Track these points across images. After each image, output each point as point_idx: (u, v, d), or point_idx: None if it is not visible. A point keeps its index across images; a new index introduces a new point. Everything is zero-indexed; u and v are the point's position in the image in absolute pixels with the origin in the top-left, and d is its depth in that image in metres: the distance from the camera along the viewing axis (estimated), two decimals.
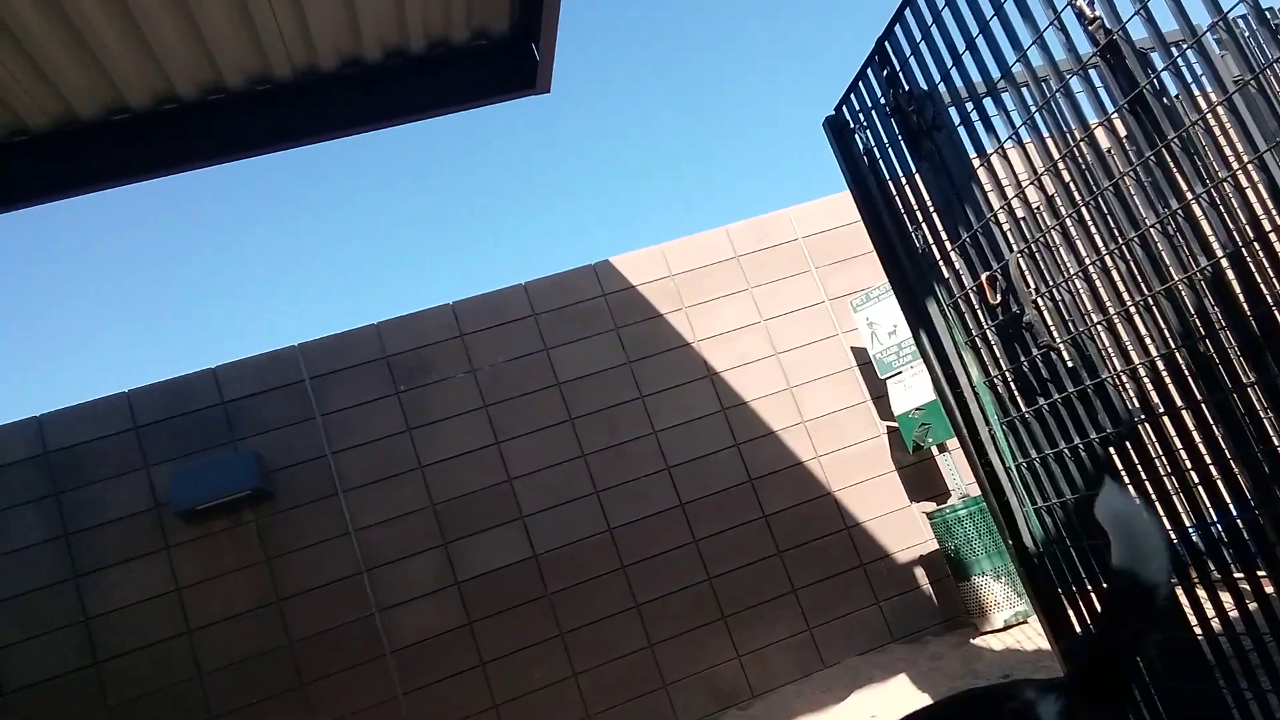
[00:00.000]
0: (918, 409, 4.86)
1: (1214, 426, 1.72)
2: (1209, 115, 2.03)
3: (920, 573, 5.17)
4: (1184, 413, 1.79)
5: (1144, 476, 1.92)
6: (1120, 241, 1.79)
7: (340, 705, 4.56)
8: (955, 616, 5.04)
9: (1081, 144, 1.82)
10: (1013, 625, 4.48)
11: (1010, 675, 3.92)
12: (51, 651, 4.46)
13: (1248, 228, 1.71)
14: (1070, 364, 2.03)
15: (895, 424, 5.26)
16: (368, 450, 4.95)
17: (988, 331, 2.23)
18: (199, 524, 4.70)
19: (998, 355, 2.23)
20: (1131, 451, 1.93)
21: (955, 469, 5.00)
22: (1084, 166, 1.85)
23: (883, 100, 2.40)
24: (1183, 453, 1.85)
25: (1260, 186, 2.38)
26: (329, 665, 4.62)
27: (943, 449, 4.99)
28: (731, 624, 4.95)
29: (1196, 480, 1.82)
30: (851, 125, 2.59)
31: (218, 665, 4.55)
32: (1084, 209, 1.86)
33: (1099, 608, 2.09)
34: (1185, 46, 1.66)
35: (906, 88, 2.29)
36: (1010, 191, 2.07)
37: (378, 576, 4.78)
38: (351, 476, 4.89)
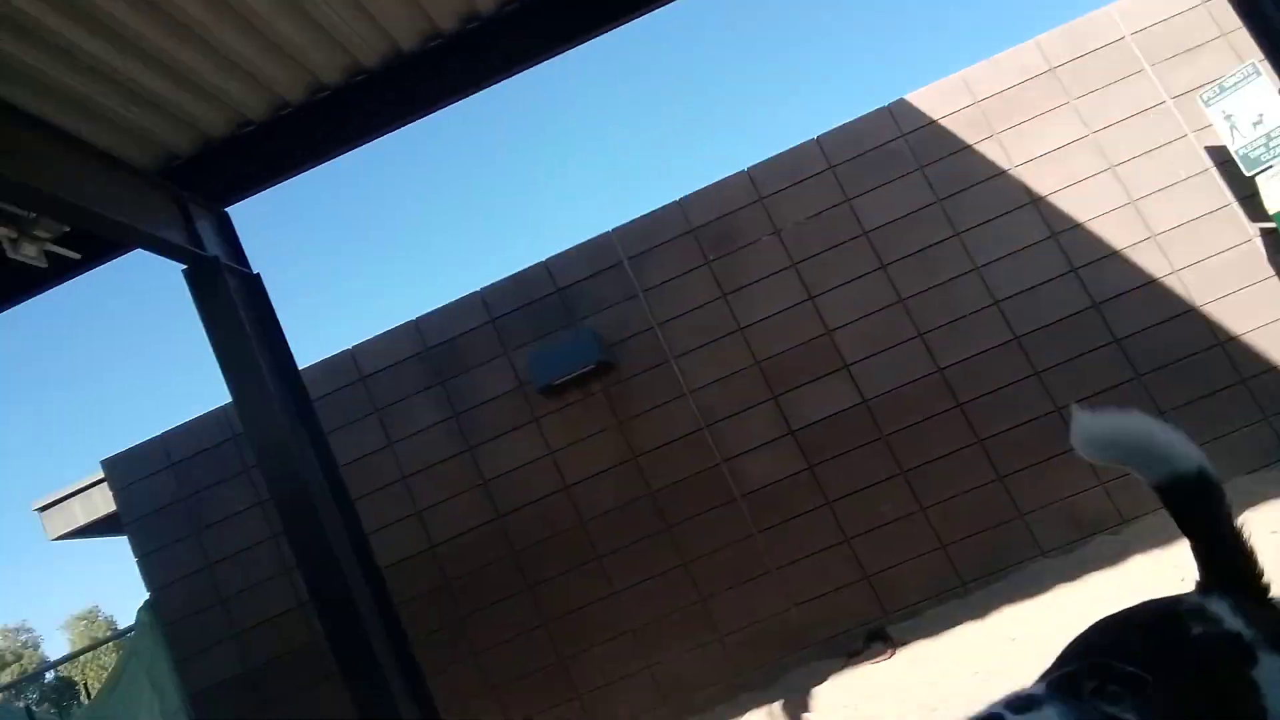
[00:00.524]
0: None
1: None
2: None
3: None
4: None
5: None
6: None
7: (704, 544, 5.17)
8: None
9: None
10: None
11: None
12: (463, 510, 5.49)
13: None
14: None
15: (1272, 224, 4.67)
16: (689, 319, 5.39)
17: None
18: (557, 397, 5.46)
19: None
20: None
21: None
22: None
23: None
24: None
25: None
26: (688, 510, 5.22)
27: None
28: None
29: None
30: None
31: (594, 514, 5.33)
32: None
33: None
34: None
35: None
36: None
37: (717, 431, 5.26)
38: (678, 343, 5.37)
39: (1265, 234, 4.76)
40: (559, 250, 5.64)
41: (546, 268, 5.63)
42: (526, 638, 5.26)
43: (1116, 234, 4.94)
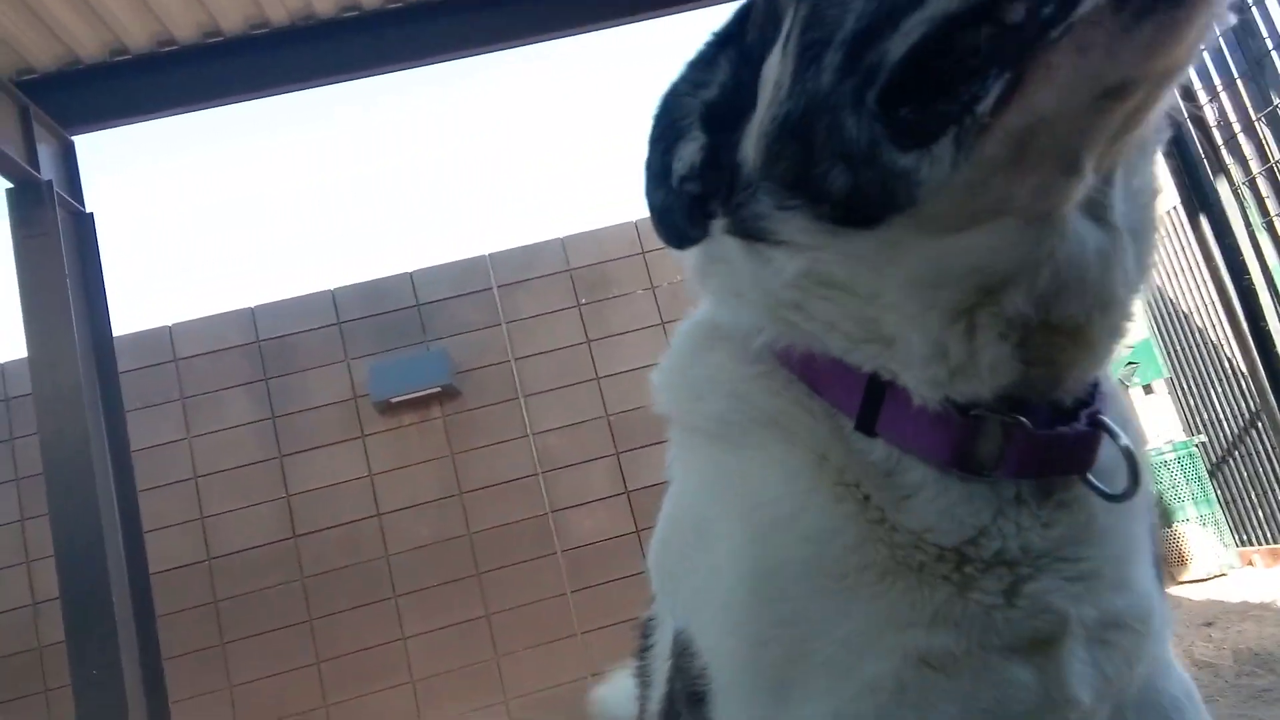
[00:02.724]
0: (1126, 347, 4.97)
1: None
2: None
3: None
4: None
5: None
6: None
7: (513, 596, 5.14)
8: None
9: None
10: (1215, 576, 4.59)
11: (1213, 623, 4.08)
12: (256, 522, 5.20)
13: None
14: None
15: None
16: (549, 359, 5.47)
17: None
18: (392, 416, 5.34)
19: None
20: None
21: (1170, 412, 5.02)
22: None
23: None
24: None
25: None
26: (504, 558, 5.19)
27: (1149, 391, 5.08)
28: None
29: None
30: None
31: (403, 548, 5.20)
32: None
33: None
34: None
35: None
36: None
37: (553, 479, 5.31)
38: (533, 382, 5.42)
39: None
40: (428, 265, 5.60)
41: (411, 279, 5.57)
42: (294, 675, 4.98)
43: None
